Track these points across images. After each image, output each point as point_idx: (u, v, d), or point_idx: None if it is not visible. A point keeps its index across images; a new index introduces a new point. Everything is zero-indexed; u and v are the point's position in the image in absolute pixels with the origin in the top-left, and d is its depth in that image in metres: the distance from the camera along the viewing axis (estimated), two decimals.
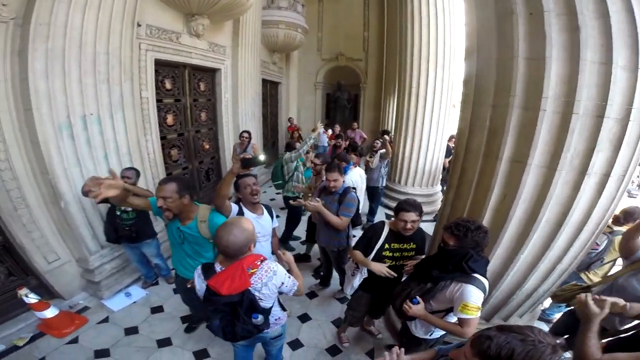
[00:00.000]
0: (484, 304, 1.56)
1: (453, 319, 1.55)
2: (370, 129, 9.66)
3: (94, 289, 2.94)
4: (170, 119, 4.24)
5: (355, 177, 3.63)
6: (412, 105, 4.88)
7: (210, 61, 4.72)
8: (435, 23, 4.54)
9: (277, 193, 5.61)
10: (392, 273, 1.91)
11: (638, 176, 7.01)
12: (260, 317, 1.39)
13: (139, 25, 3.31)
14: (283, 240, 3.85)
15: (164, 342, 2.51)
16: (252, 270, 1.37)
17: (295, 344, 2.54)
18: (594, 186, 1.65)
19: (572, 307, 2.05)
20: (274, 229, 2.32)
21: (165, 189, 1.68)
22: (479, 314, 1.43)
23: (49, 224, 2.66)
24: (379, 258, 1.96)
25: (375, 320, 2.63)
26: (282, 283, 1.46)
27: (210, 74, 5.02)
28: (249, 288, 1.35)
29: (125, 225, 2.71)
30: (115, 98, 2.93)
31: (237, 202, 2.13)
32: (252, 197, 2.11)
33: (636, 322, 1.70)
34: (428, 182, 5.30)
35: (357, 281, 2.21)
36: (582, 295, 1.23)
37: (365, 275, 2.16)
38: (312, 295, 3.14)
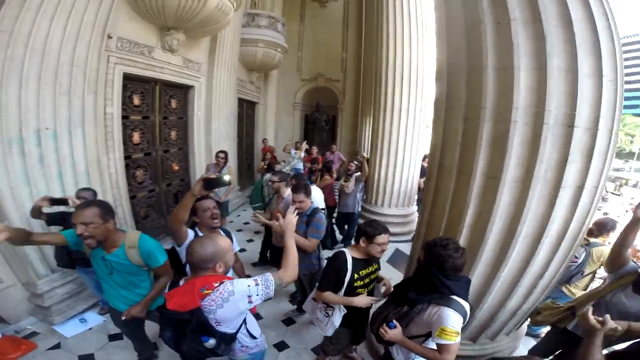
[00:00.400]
0: (468, 324, 1.47)
1: (433, 344, 1.44)
2: (348, 151, 9.55)
3: (43, 313, 2.67)
4: (136, 137, 3.99)
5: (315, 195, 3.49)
6: (387, 123, 4.92)
7: (184, 78, 4.60)
8: (410, 42, 4.70)
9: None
10: (375, 298, 1.85)
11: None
12: (212, 341, 1.28)
13: (109, 37, 3.19)
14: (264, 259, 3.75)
15: None
16: (207, 292, 1.25)
17: None
18: (569, 199, 1.64)
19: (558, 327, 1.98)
20: (236, 254, 2.15)
21: (84, 214, 1.52)
22: (458, 339, 1.34)
23: None
24: (350, 290, 1.83)
25: (356, 347, 2.45)
26: (249, 297, 1.29)
27: (183, 90, 4.86)
28: (200, 308, 1.25)
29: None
30: (76, 112, 2.76)
31: (192, 227, 1.96)
32: (212, 221, 1.96)
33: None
34: (404, 202, 5.24)
35: (337, 319, 1.96)
36: (584, 310, 1.25)
37: (344, 311, 1.95)
38: (289, 321, 2.93)
